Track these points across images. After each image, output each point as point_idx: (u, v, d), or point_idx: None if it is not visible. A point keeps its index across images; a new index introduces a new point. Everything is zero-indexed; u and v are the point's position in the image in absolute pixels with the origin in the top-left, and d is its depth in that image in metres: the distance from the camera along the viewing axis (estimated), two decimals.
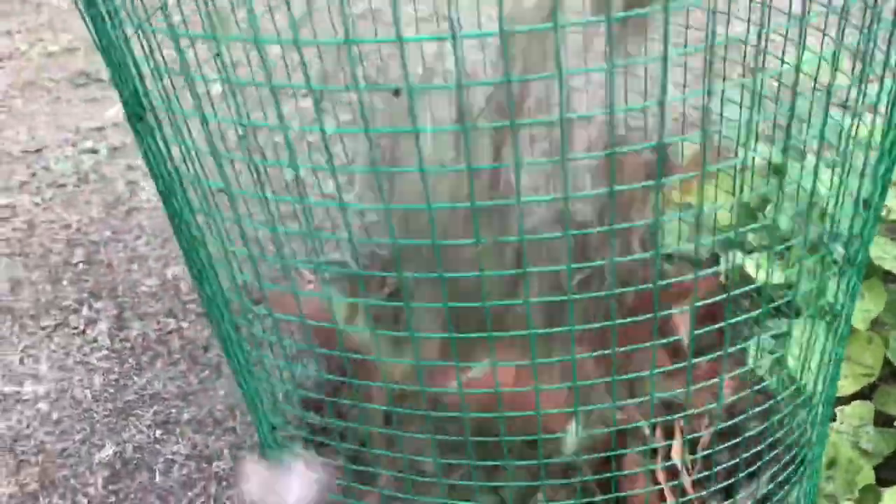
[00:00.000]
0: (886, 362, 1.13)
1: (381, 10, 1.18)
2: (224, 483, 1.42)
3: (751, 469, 0.76)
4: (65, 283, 1.83)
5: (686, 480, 0.75)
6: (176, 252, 1.89)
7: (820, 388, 0.78)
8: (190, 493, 1.41)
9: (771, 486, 0.76)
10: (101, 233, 1.96)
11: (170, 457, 1.47)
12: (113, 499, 1.40)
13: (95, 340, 1.69)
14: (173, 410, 1.55)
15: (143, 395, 1.58)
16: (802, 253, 0.66)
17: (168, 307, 1.76)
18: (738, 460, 0.79)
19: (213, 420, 1.53)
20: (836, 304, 0.73)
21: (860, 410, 1.09)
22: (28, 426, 1.52)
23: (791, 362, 0.79)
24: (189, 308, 1.75)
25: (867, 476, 1.00)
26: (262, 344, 0.76)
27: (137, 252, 1.91)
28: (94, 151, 2.23)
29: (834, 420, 1.08)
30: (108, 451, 1.47)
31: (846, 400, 1.12)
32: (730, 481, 0.76)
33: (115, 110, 2.35)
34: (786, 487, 0.79)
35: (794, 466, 0.78)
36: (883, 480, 1.01)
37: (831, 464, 1.04)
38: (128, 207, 2.04)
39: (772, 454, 0.76)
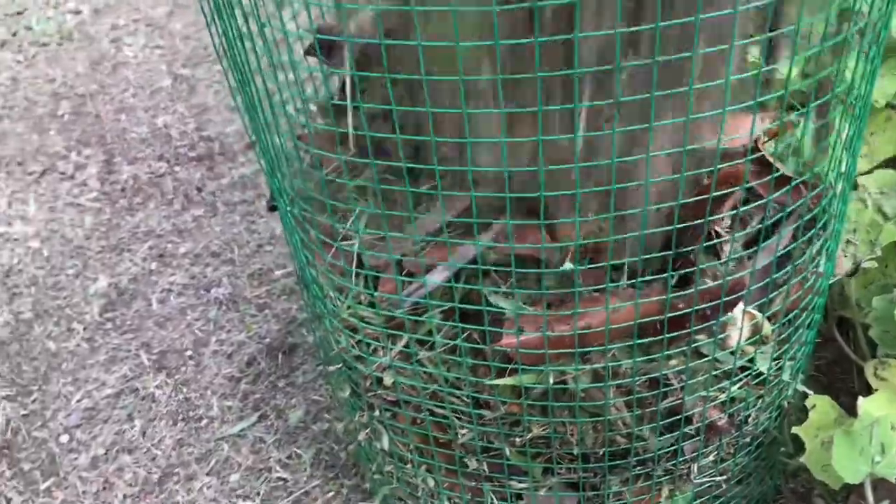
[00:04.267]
0: None
1: None
2: (224, 307, 1.39)
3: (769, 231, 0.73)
4: (52, 132, 1.77)
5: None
6: (165, 102, 1.83)
7: (838, 168, 0.75)
8: (188, 318, 1.38)
9: (792, 246, 0.73)
10: (87, 86, 1.90)
11: (167, 287, 1.43)
12: (109, 325, 1.36)
13: (85, 184, 1.64)
14: (168, 245, 1.51)
15: (136, 232, 1.54)
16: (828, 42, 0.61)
17: (159, 153, 1.70)
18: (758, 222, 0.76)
19: (210, 253, 1.49)
20: (855, 86, 0.69)
21: (883, 178, 1.04)
22: (19, 262, 1.48)
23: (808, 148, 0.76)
24: (181, 153, 1.70)
25: (891, 234, 0.96)
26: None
27: (126, 104, 1.85)
28: (77, 12, 2.16)
29: (855, 189, 1.04)
30: (103, 283, 1.43)
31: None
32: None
33: None
34: (807, 250, 0.76)
35: (815, 234, 0.75)
36: None
37: (852, 230, 1.00)
38: (114, 63, 1.97)
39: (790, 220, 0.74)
